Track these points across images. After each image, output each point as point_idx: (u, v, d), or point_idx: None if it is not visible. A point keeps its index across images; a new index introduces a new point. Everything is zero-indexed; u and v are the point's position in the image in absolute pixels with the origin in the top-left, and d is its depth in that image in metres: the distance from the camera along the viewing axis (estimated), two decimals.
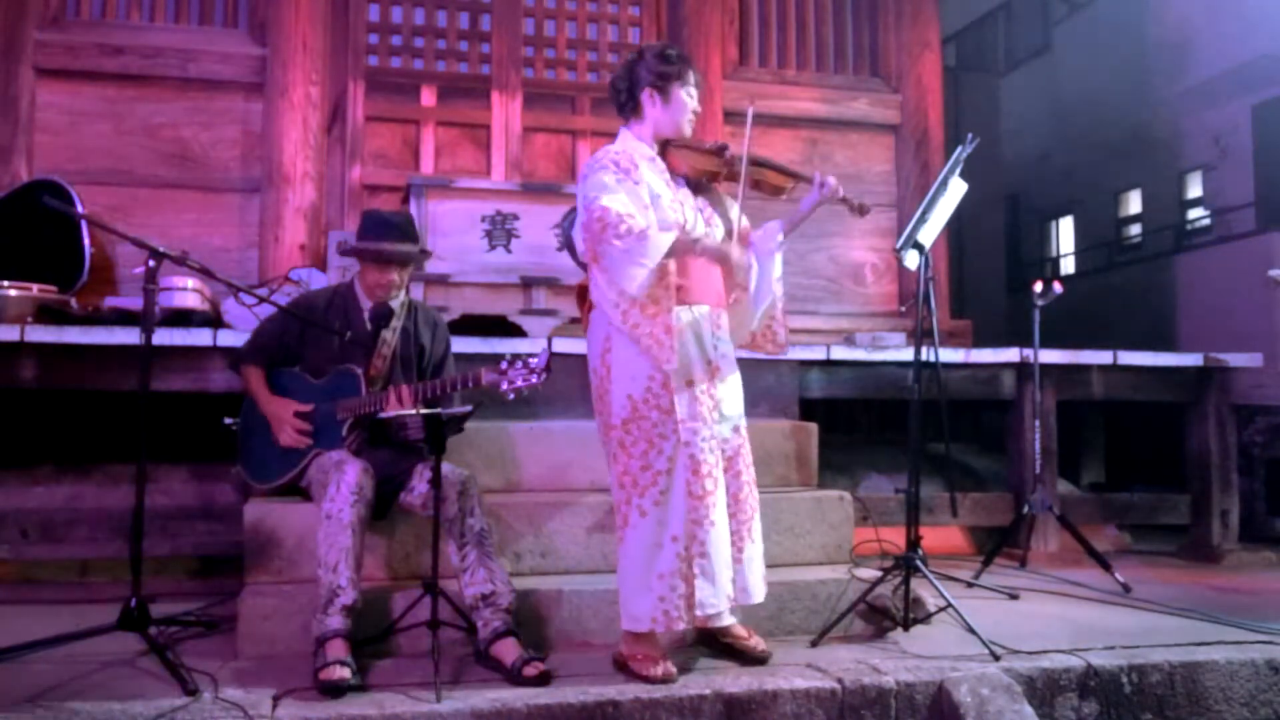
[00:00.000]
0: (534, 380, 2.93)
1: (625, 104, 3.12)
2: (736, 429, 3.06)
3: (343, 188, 5.43)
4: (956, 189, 3.59)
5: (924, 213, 3.57)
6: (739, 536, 3.03)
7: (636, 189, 2.91)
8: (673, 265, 2.87)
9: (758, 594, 3.08)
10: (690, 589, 2.87)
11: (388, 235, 3.37)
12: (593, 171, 2.96)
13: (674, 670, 2.91)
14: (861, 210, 3.15)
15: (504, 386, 2.95)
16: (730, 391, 3.06)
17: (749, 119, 3.00)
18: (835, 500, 3.94)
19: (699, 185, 3.12)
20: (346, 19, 5.52)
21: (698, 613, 2.89)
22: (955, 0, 10.30)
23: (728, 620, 3.03)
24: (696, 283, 3.00)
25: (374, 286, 3.40)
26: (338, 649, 2.82)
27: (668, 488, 2.89)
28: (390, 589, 3.27)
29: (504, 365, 2.96)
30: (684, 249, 2.88)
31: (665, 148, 3.08)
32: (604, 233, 2.83)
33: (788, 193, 3.16)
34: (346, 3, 5.53)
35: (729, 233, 3.09)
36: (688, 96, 3.04)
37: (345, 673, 2.75)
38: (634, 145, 3.06)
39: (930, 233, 3.58)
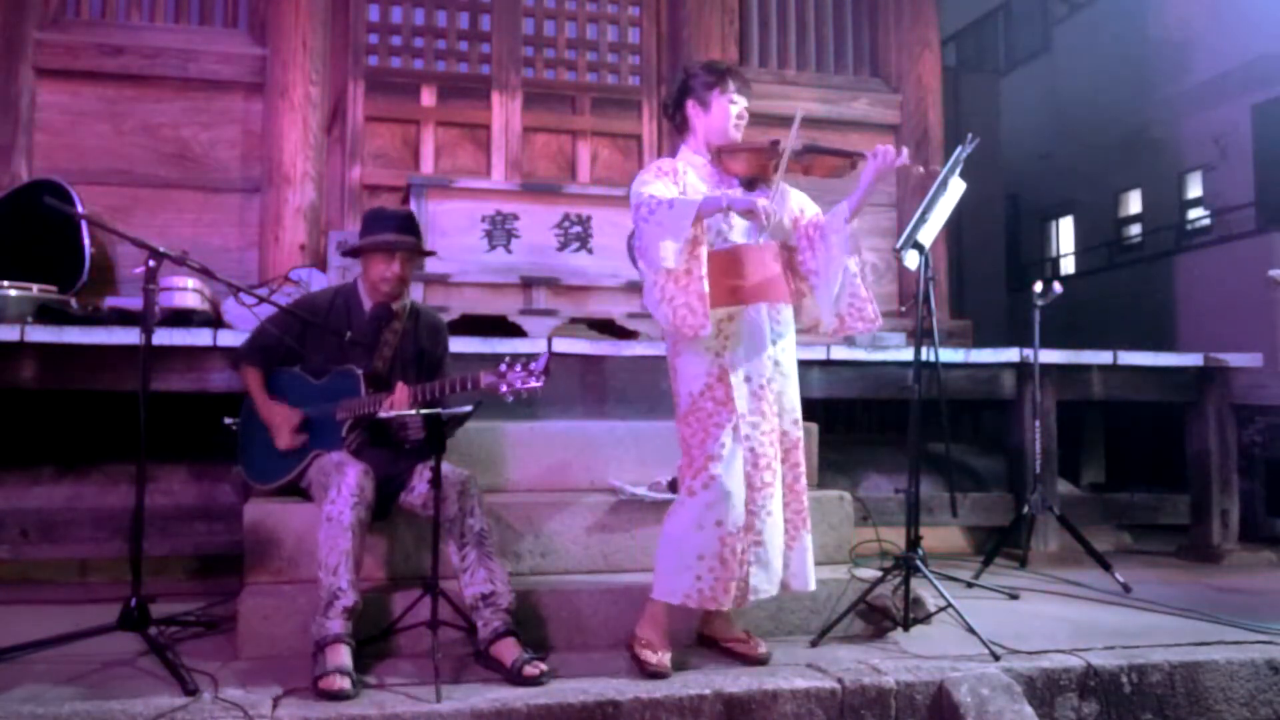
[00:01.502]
0: (533, 383, 2.91)
1: (677, 121, 3.26)
2: (796, 422, 3.13)
3: (343, 188, 5.42)
4: (956, 188, 3.59)
5: (924, 213, 3.57)
6: (794, 525, 3.12)
7: (674, 185, 3.05)
8: (704, 239, 2.96)
9: (812, 581, 3.17)
10: (744, 574, 2.96)
11: (390, 227, 3.38)
12: (638, 178, 3.11)
13: (668, 667, 2.95)
14: (927, 171, 3.23)
15: (503, 389, 2.93)
16: (790, 386, 3.13)
17: (796, 119, 3.01)
18: (835, 500, 3.94)
19: (753, 183, 3.17)
20: (346, 19, 5.52)
21: (751, 597, 3.00)
22: (955, 0, 10.30)
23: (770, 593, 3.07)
24: (752, 280, 3.06)
25: (378, 281, 3.38)
26: (338, 656, 2.81)
27: (718, 474, 2.96)
28: (390, 589, 3.27)
29: (503, 368, 2.95)
30: (711, 209, 2.94)
31: (719, 155, 3.16)
32: (638, 213, 2.96)
33: (847, 172, 3.22)
34: (346, 3, 5.53)
35: (795, 223, 3.19)
36: (730, 103, 3.14)
37: (345, 683, 2.73)
38: (685, 156, 3.20)
39: (930, 232, 3.58)
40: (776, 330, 3.09)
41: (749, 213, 2.92)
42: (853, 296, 3.18)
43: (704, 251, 2.95)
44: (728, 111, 3.13)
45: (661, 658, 2.97)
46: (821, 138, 3.41)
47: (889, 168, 3.08)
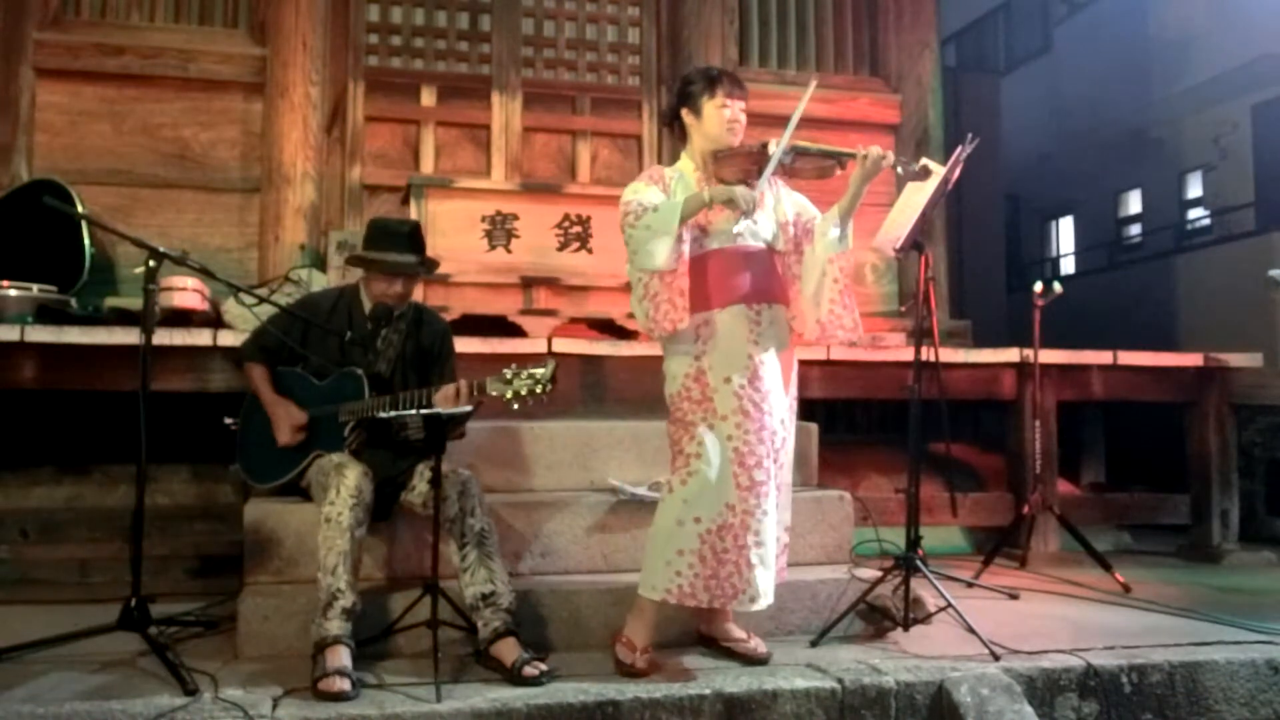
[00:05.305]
0: (539, 391, 2.94)
1: (676, 130, 3.30)
2: (783, 422, 3.11)
3: (343, 188, 5.43)
4: (932, 180, 3.49)
5: (924, 212, 3.55)
6: (781, 524, 3.12)
7: (663, 194, 3.08)
8: (686, 238, 3.01)
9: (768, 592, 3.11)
10: (732, 573, 2.94)
11: (394, 246, 3.38)
12: (630, 185, 3.16)
13: (645, 667, 2.96)
14: (914, 175, 3.19)
15: (509, 397, 2.96)
16: (775, 386, 3.09)
17: (793, 119, 3.05)
18: (835, 500, 3.94)
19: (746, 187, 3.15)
20: (346, 19, 5.52)
21: (748, 594, 2.95)
22: (955, 0, 10.29)
23: (767, 602, 3.03)
24: (729, 283, 3.07)
25: (381, 296, 3.41)
26: (337, 657, 2.81)
27: (696, 471, 2.97)
28: (390, 589, 3.28)
29: (509, 375, 2.96)
30: (695, 206, 2.99)
31: (713, 160, 3.16)
32: (625, 219, 3.03)
33: (834, 173, 3.21)
34: (346, 3, 5.53)
35: (784, 227, 3.20)
36: (722, 107, 3.14)
37: (345, 685, 2.73)
38: (682, 164, 3.23)
39: (905, 223, 3.53)
40: (757, 331, 3.07)
41: (729, 202, 2.96)
42: (833, 304, 3.16)
43: (686, 249, 3.01)
44: (720, 116, 3.13)
45: (638, 658, 2.97)
46: (821, 138, 3.40)
47: (875, 169, 3.08)
